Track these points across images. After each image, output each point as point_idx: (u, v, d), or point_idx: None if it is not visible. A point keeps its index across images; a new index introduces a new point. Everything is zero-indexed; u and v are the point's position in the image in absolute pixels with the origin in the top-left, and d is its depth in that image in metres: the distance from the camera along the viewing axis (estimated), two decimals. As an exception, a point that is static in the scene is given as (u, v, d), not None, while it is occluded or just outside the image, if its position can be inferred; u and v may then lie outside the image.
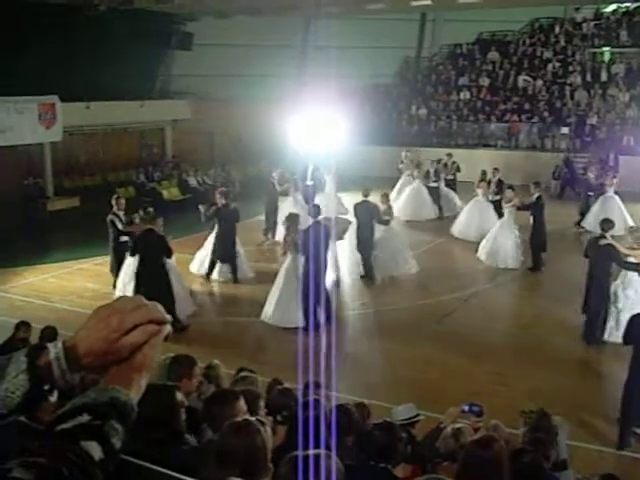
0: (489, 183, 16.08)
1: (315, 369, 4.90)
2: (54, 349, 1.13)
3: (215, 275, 12.81)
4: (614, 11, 28.18)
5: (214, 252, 12.67)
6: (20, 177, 18.50)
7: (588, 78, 26.19)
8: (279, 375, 5.71)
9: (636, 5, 26.56)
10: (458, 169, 19.13)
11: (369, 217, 12.61)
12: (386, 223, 12.90)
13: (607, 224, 9.59)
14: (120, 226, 11.77)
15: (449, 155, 19.64)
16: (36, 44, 17.52)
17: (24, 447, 1.02)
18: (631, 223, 13.60)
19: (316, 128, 15.95)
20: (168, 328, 1.20)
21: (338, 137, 16.37)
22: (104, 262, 13.05)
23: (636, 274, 9.36)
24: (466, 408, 4.80)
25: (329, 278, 10.41)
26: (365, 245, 12.65)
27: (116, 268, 11.88)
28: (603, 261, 9.29)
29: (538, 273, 13.16)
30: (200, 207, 13.06)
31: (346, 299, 11.80)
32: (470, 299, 11.70)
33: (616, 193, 16.08)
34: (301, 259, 10.02)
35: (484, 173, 16.93)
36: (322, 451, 2.63)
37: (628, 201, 16.35)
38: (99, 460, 1.02)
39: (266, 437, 2.86)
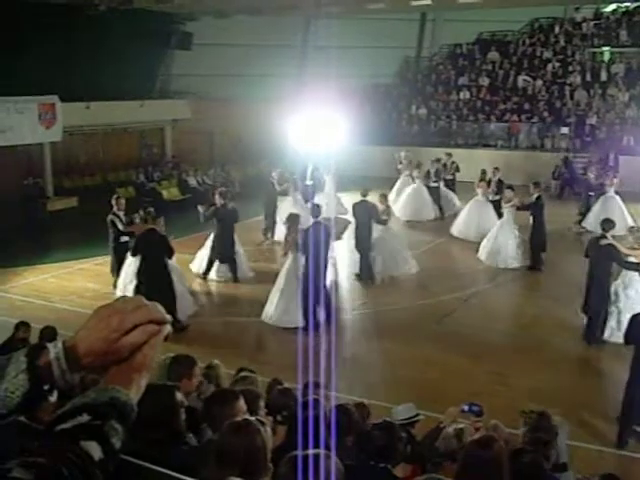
0: (489, 183, 16.08)
1: (315, 369, 4.90)
2: (54, 349, 1.13)
3: (213, 275, 12.82)
4: (614, 11, 28.18)
5: (212, 252, 12.68)
6: (20, 177, 18.49)
7: (588, 78, 26.20)
8: (279, 375, 5.70)
9: (636, 5, 26.56)
10: (457, 169, 19.14)
11: (367, 217, 12.63)
12: (384, 223, 12.91)
13: (608, 224, 9.59)
14: (120, 226, 11.77)
15: (448, 155, 19.65)
16: (36, 44, 17.52)
17: (24, 447, 1.02)
18: (631, 223, 13.61)
19: (316, 128, 15.94)
20: (168, 328, 1.20)
21: (338, 137, 16.37)
22: (104, 262, 13.06)
23: (637, 274, 9.37)
24: (466, 408, 4.80)
25: (329, 278, 10.41)
26: (363, 245, 12.67)
27: (116, 268, 11.89)
28: (604, 261, 9.29)
29: (538, 273, 13.17)
30: (199, 207, 13.06)
31: (346, 299, 11.80)
32: (470, 299, 11.70)
33: (617, 193, 16.08)
34: (302, 259, 10.02)
35: (484, 173, 16.94)
36: (322, 451, 2.63)
37: (628, 201, 16.35)
38: (99, 460, 1.02)
39: (266, 437, 2.86)
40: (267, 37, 23.18)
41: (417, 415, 5.01)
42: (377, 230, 12.88)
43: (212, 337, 9.98)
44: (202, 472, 2.76)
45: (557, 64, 27.18)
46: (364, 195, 12.99)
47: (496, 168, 16.58)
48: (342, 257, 13.10)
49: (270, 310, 10.32)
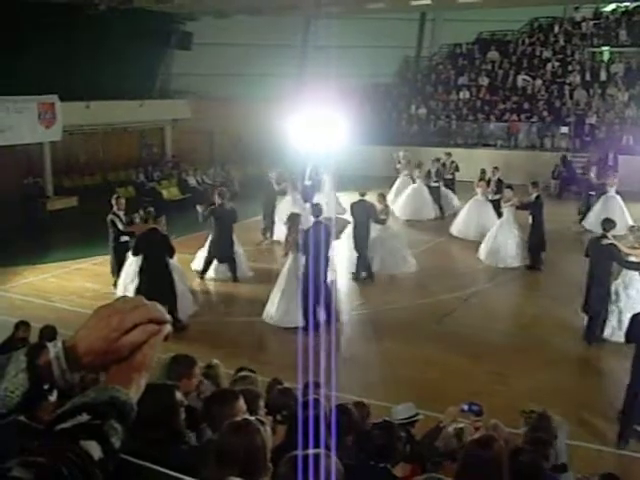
0: (488, 182, 16.09)
1: (315, 369, 4.90)
2: (54, 348, 1.13)
3: (212, 274, 12.82)
4: (613, 10, 28.19)
5: (210, 252, 12.68)
6: (20, 177, 18.48)
7: (587, 77, 26.20)
8: (279, 375, 5.71)
9: (635, 4, 26.57)
10: (457, 169, 19.11)
11: (366, 216, 12.65)
12: (382, 222, 12.93)
13: (608, 224, 9.60)
14: (121, 226, 11.77)
15: (448, 154, 19.63)
16: (36, 43, 17.52)
17: (24, 446, 1.02)
18: (631, 222, 13.60)
19: (316, 128, 15.93)
20: (168, 328, 1.20)
21: (338, 137, 16.36)
22: (104, 262, 13.06)
23: (637, 273, 9.37)
24: (465, 407, 4.80)
25: (330, 277, 10.41)
26: (361, 244, 12.68)
27: (117, 268, 11.89)
28: (604, 261, 9.30)
29: (538, 273, 13.17)
30: (198, 207, 13.07)
31: (345, 299, 11.79)
32: (470, 299, 11.70)
33: (617, 193, 16.08)
34: (302, 259, 10.02)
35: (483, 172, 16.94)
36: (322, 451, 2.63)
37: (627, 200, 16.34)
38: (98, 459, 1.02)
39: (266, 437, 2.86)
40: (267, 37, 23.18)
41: (417, 415, 5.01)
42: (375, 230, 12.90)
43: (212, 337, 9.97)
44: (202, 472, 2.75)
45: (557, 64, 27.18)
46: (362, 195, 13.00)
47: (496, 167, 16.58)
48: (341, 257, 13.09)
49: (271, 310, 10.33)
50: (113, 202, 11.95)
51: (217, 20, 21.74)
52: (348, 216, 13.94)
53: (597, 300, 9.46)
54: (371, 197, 13.20)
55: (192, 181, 21.67)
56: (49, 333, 7.07)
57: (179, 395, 3.32)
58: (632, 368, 6.85)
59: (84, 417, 1.05)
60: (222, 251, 12.59)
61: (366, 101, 27.23)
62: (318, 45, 25.30)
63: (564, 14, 29.45)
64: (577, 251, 11.79)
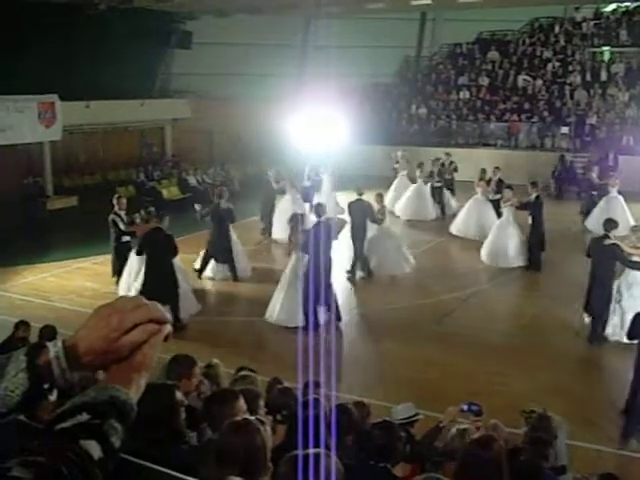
0: (488, 182, 16.09)
1: (315, 368, 4.90)
2: (54, 348, 1.13)
3: (210, 273, 12.82)
4: (614, 10, 28.17)
5: (207, 251, 12.69)
6: (20, 176, 18.48)
7: (588, 78, 26.19)
8: (279, 374, 5.70)
9: (636, 5, 26.56)
10: (455, 169, 19.04)
11: (363, 216, 12.66)
12: (379, 222, 12.92)
13: (610, 224, 9.60)
14: (122, 226, 11.77)
15: (447, 155, 19.61)
16: (36, 43, 17.52)
17: (24, 446, 1.02)
18: (633, 223, 13.60)
19: (316, 127, 15.93)
20: (168, 327, 1.20)
21: (338, 136, 16.37)
22: (104, 261, 13.06)
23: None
24: (465, 407, 4.80)
25: (333, 277, 10.42)
26: (359, 244, 12.69)
27: (118, 268, 11.88)
28: (607, 261, 9.30)
29: (537, 273, 13.16)
30: (196, 205, 13.08)
31: (345, 298, 11.79)
32: (470, 299, 11.70)
33: (619, 193, 16.08)
34: (305, 259, 10.02)
35: (483, 172, 16.93)
36: (322, 450, 2.63)
37: (628, 201, 16.33)
38: (98, 459, 1.02)
39: (266, 436, 2.86)
40: (267, 36, 23.19)
41: (416, 415, 5.01)
42: (372, 229, 12.90)
43: (212, 336, 9.96)
44: (202, 471, 2.75)
45: (557, 64, 27.18)
46: (360, 194, 13.01)
47: (497, 167, 16.58)
48: (339, 257, 13.09)
49: (274, 310, 10.33)
50: (114, 202, 11.95)
51: (217, 19, 21.75)
52: (346, 216, 13.96)
53: (599, 300, 9.45)
54: (369, 197, 13.20)
55: (192, 180, 21.67)
56: (49, 333, 7.07)
57: (179, 395, 3.32)
58: (635, 367, 6.84)
59: (84, 416, 1.05)
60: (219, 251, 12.59)
61: (366, 101, 27.22)
62: (318, 45, 25.31)
63: (564, 14, 29.44)
64: (577, 251, 11.80)
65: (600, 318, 9.44)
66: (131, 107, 20.98)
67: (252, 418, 3.00)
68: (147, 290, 9.66)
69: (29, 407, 1.13)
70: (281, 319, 10.17)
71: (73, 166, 20.95)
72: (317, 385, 4.74)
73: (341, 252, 13.26)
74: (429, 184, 18.07)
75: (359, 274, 12.78)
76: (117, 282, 11.82)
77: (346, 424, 3.89)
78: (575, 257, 12.33)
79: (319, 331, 8.93)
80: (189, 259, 12.96)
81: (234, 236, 12.81)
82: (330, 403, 4.38)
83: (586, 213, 16.56)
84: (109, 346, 1.14)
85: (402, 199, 18.19)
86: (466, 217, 15.86)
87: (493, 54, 28.88)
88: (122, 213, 11.91)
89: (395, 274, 13.00)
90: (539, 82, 26.65)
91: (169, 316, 1.22)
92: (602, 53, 27.61)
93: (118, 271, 11.87)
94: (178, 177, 21.98)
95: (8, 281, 12.92)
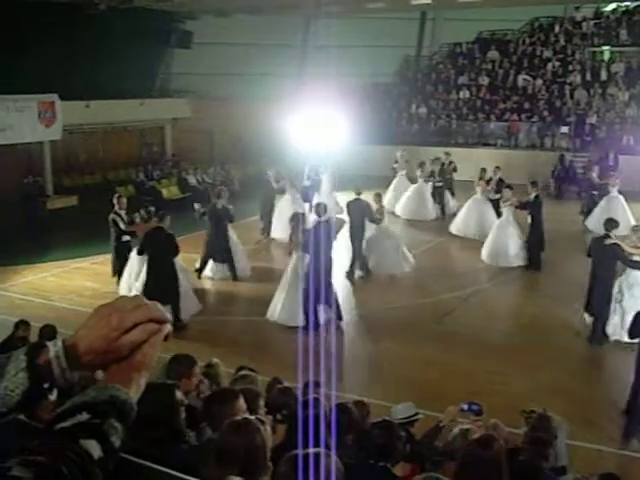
0: (488, 181, 16.09)
1: (315, 368, 4.90)
2: (54, 347, 1.13)
3: (209, 273, 12.82)
4: (614, 10, 28.18)
5: (205, 251, 12.69)
6: (20, 176, 18.48)
7: (588, 77, 26.19)
8: (279, 374, 5.70)
9: (636, 4, 26.56)
10: (455, 169, 19.02)
11: (361, 215, 12.67)
12: (377, 222, 12.93)
13: (611, 224, 9.60)
14: (122, 226, 11.76)
15: (447, 154, 19.58)
16: (36, 43, 17.52)
17: (24, 445, 1.02)
18: (634, 222, 13.59)
19: (316, 127, 15.93)
20: (168, 327, 1.20)
21: (338, 136, 16.35)
22: (104, 261, 13.06)
23: (640, 272, 9.38)
24: (465, 407, 4.80)
25: (334, 277, 10.42)
26: (357, 243, 12.70)
27: (118, 268, 11.88)
28: (607, 260, 9.30)
29: (537, 272, 13.16)
30: (195, 205, 13.08)
31: (344, 298, 11.79)
32: (470, 298, 11.70)
33: (620, 193, 16.08)
34: (305, 258, 10.02)
35: (483, 171, 16.93)
36: (322, 450, 2.63)
37: (628, 200, 16.33)
38: (98, 459, 1.02)
39: (266, 436, 2.86)
40: (267, 36, 23.18)
41: (416, 414, 5.01)
42: (371, 229, 12.91)
43: (212, 336, 9.97)
44: (202, 471, 2.75)
45: (557, 63, 27.17)
46: (358, 194, 13.02)
47: (497, 167, 16.58)
48: (337, 256, 13.09)
49: (276, 309, 10.33)
50: (115, 201, 11.94)
51: (217, 19, 21.74)
52: (344, 215, 13.96)
53: (600, 300, 9.46)
54: (368, 196, 13.20)
55: (192, 180, 21.66)
56: (49, 332, 7.07)
57: (179, 394, 3.32)
58: (636, 367, 6.84)
59: (84, 416, 1.05)
60: (217, 250, 12.59)
61: (366, 101, 27.22)
62: (318, 45, 25.30)
63: (565, 14, 29.44)
64: (577, 251, 11.80)
65: (601, 318, 9.44)
66: (131, 107, 20.98)
67: (252, 418, 3.00)
68: (148, 290, 9.67)
69: (29, 406, 1.13)
70: (282, 318, 10.18)
71: (73, 166, 20.96)
72: (317, 384, 4.75)
73: (340, 252, 13.28)
74: (430, 184, 18.07)
75: (358, 273, 12.78)
76: (117, 282, 11.82)
77: (346, 423, 3.89)
78: (575, 257, 12.33)
79: (319, 331, 8.93)
80: (190, 258, 12.97)
81: (234, 236, 12.81)
82: (330, 402, 4.39)
83: (586, 213, 16.57)
84: (109, 345, 1.14)
85: (402, 199, 18.20)
86: (466, 217, 15.87)
87: (493, 54, 28.87)
88: (122, 213, 11.90)
89: (394, 273, 13.01)
90: (539, 82, 26.65)
91: (169, 316, 1.22)
92: (602, 53, 27.60)
93: (118, 271, 11.86)
94: (178, 177, 21.97)
95: (8, 280, 12.93)
